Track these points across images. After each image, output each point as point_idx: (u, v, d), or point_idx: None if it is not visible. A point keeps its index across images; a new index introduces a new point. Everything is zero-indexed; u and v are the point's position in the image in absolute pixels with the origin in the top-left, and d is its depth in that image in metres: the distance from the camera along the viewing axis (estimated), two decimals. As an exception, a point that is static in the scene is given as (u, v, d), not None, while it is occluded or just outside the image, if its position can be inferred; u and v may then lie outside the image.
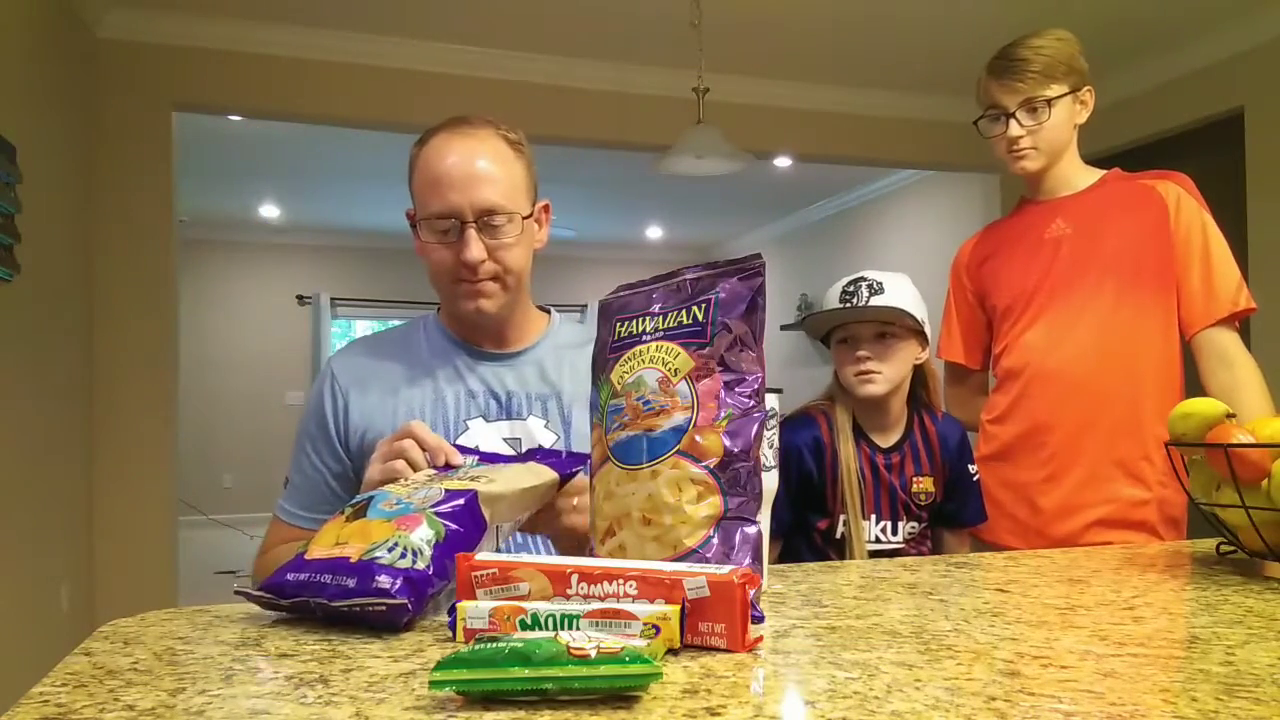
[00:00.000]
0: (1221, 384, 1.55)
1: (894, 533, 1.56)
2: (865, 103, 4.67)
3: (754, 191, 6.71)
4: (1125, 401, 1.57)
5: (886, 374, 1.53)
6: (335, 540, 0.76)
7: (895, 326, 1.54)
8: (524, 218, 1.14)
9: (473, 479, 0.83)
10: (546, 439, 1.15)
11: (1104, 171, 1.67)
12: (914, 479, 1.57)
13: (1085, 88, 1.61)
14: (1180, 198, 1.59)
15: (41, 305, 3.07)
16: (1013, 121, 1.59)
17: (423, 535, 0.74)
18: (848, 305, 1.55)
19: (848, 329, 1.56)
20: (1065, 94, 1.58)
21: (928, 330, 1.59)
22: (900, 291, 1.55)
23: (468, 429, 1.14)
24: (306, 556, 0.76)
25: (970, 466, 1.61)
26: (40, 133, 3.05)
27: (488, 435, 1.14)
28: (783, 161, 5.12)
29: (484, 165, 1.12)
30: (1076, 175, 1.66)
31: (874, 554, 1.53)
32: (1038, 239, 1.66)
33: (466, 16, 3.75)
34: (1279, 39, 3.72)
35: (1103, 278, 1.60)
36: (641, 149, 4.36)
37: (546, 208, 1.24)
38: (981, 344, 1.80)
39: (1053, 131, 1.60)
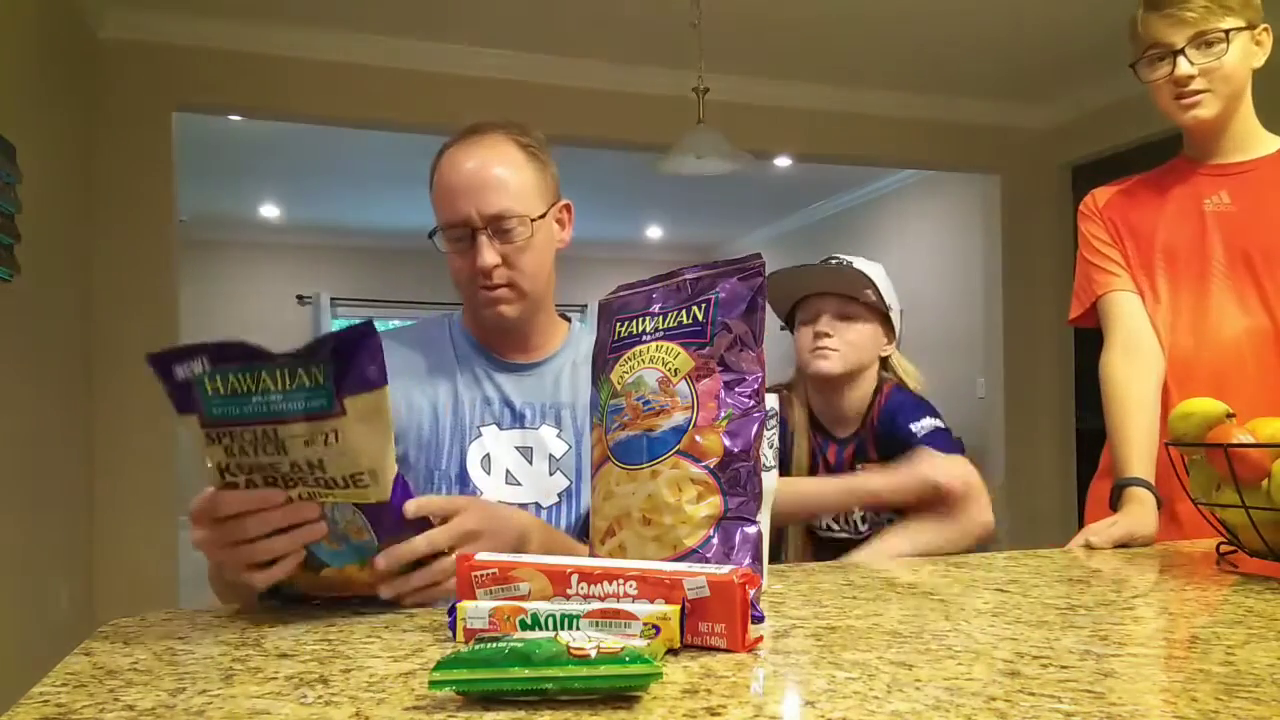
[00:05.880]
0: None
1: (844, 522, 1.51)
2: (865, 103, 4.67)
3: (754, 191, 6.70)
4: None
5: (843, 352, 1.46)
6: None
7: (858, 305, 1.48)
8: (535, 219, 1.14)
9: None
10: (558, 448, 1.15)
11: None
12: (859, 468, 1.50)
13: (1262, 26, 1.37)
14: None
15: (41, 305, 3.07)
16: (1181, 59, 1.32)
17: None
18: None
19: (810, 307, 1.50)
20: (1243, 28, 1.33)
21: (896, 320, 1.52)
22: (869, 270, 1.51)
23: (481, 435, 1.15)
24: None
25: (912, 425, 1.44)
26: (40, 133, 3.05)
27: (500, 443, 1.15)
28: (783, 161, 5.12)
29: (492, 173, 1.13)
30: (1253, 138, 1.40)
31: (824, 542, 1.52)
32: (1194, 208, 1.40)
33: (467, 17, 3.75)
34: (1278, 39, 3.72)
35: (1257, 266, 1.36)
36: (641, 149, 4.36)
37: (567, 207, 1.24)
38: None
39: (1229, 71, 1.33)
